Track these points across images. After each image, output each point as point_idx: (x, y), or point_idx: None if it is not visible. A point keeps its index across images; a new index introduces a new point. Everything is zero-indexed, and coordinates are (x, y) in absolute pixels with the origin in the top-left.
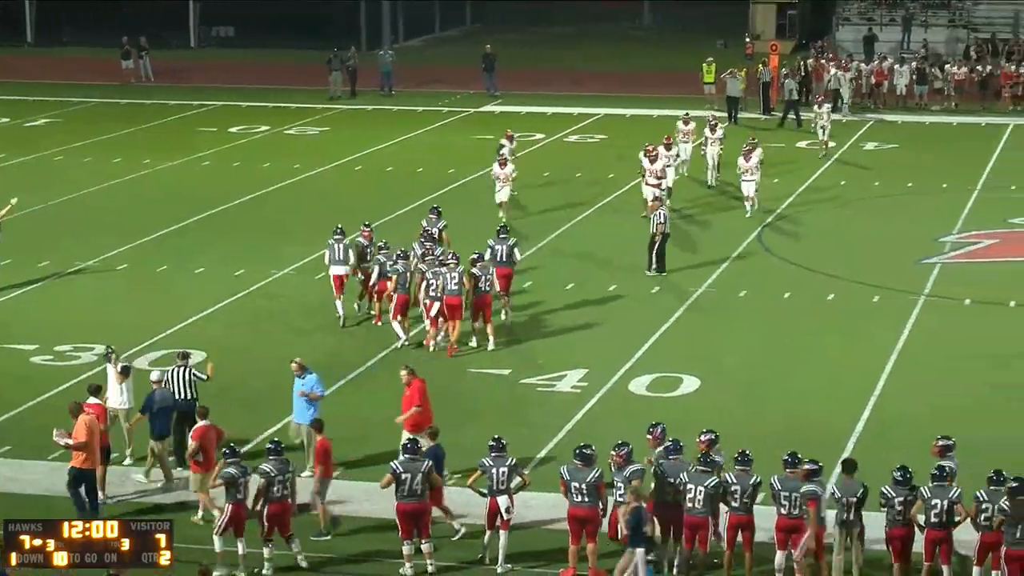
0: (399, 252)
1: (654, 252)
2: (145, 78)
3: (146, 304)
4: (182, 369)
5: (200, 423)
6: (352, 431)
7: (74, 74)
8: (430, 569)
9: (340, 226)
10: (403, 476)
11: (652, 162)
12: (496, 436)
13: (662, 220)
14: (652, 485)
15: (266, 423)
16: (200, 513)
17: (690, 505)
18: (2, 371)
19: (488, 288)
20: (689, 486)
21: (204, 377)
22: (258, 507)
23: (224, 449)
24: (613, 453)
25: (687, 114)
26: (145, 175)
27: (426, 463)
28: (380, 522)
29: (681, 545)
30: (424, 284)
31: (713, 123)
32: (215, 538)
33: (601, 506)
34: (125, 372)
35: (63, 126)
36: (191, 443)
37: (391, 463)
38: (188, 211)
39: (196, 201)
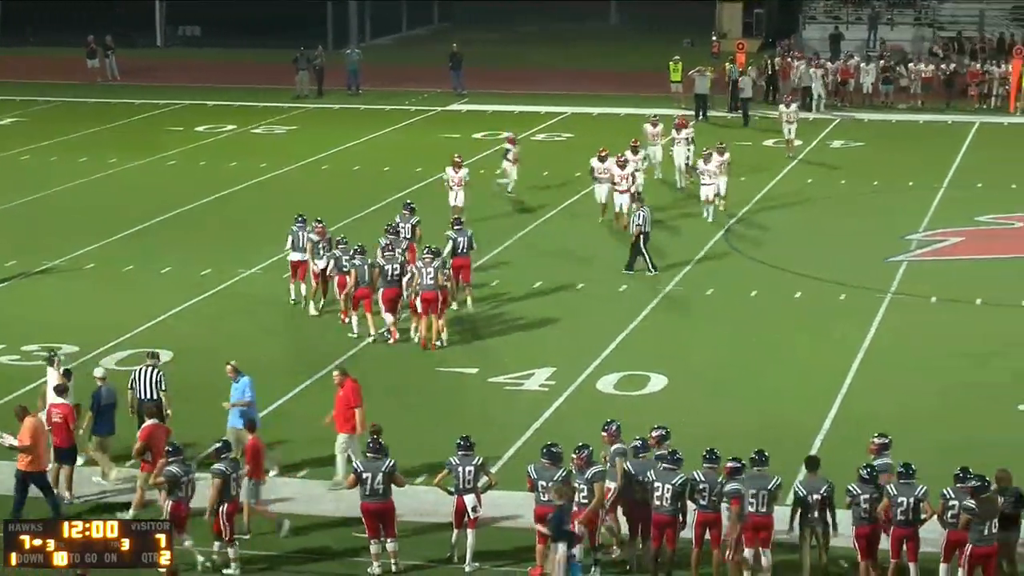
0: (356, 247)
1: (632, 251)
2: (111, 77)
3: (113, 304)
4: (151, 369)
5: (148, 422)
6: (319, 431)
7: (40, 73)
8: (394, 568)
9: (302, 215)
10: (364, 476)
11: (622, 167)
12: (464, 435)
13: (640, 221)
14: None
15: None
16: (131, 511)
17: (657, 503)
18: None
19: (432, 281)
20: (656, 484)
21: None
22: (217, 508)
23: (167, 447)
24: (574, 456)
25: (655, 116)
26: (111, 174)
27: (387, 462)
28: (343, 520)
29: (648, 544)
30: (407, 278)
31: (679, 123)
32: None
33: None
34: (67, 376)
35: (29, 125)
36: (138, 442)
37: (353, 462)
38: (154, 210)
39: (162, 200)
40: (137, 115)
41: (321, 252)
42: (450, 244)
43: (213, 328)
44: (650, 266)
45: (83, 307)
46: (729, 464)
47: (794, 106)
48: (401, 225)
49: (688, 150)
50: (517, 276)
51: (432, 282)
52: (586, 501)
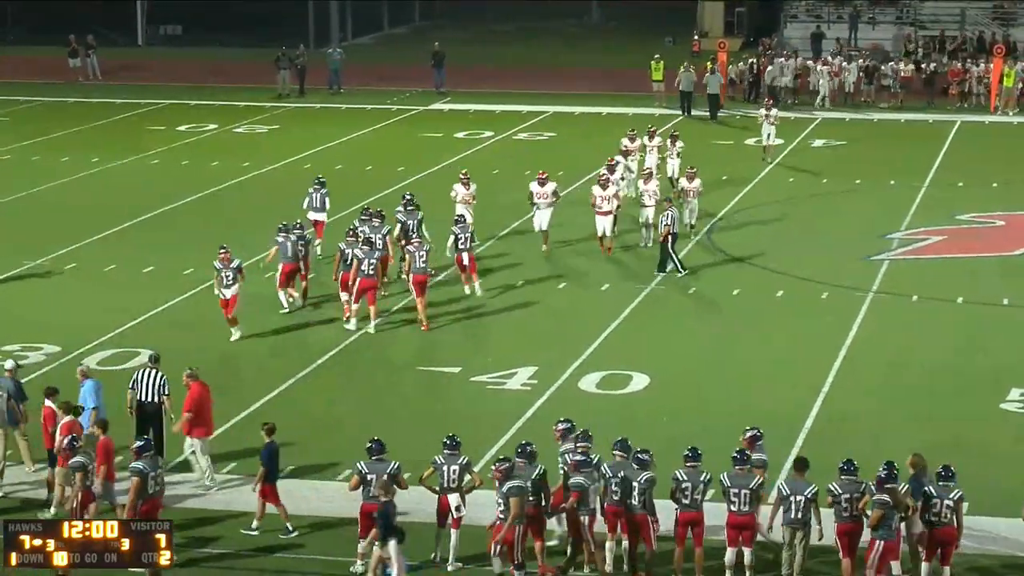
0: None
1: (662, 252)
2: (92, 76)
3: (95, 304)
4: (153, 372)
5: (66, 419)
6: (299, 432)
7: (20, 73)
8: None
9: (284, 223)
10: (368, 477)
11: (603, 188)
12: (450, 435)
13: (669, 221)
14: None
15: (216, 421)
16: (53, 509)
17: (631, 502)
18: None
19: (424, 265)
20: (634, 483)
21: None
22: (136, 506)
23: (65, 440)
24: (493, 468)
25: (632, 131)
26: (93, 174)
27: (393, 464)
28: (329, 520)
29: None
30: (356, 264)
31: (675, 135)
32: None
33: (544, 504)
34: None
35: (10, 125)
36: (59, 437)
37: (356, 464)
38: (137, 210)
39: (145, 200)
40: (119, 114)
41: (225, 279)
42: (399, 227)
43: (196, 327)
44: (679, 267)
45: (65, 307)
46: (640, 456)
47: (774, 111)
48: (409, 222)
49: (676, 164)
50: (499, 275)
51: (424, 265)
52: (503, 516)
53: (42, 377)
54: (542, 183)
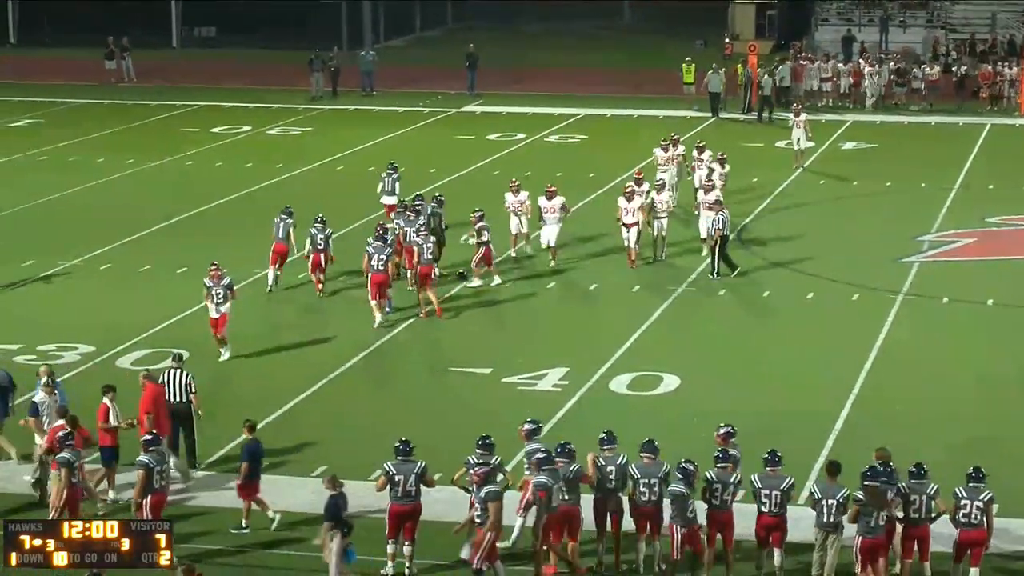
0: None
1: (715, 256)
2: (127, 78)
3: (129, 304)
4: (177, 372)
5: (59, 421)
6: (331, 432)
7: (56, 75)
8: (407, 571)
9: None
10: (396, 477)
11: (629, 199)
12: (483, 435)
13: (720, 225)
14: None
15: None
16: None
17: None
18: None
19: (431, 257)
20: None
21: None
22: (140, 499)
23: (59, 433)
24: (471, 472)
25: (665, 140)
26: (129, 175)
27: (419, 464)
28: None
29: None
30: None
31: (701, 145)
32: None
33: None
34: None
35: (46, 126)
36: (44, 443)
37: (384, 464)
38: (171, 211)
39: (179, 201)
40: (154, 116)
41: (216, 297)
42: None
43: (229, 326)
44: (729, 268)
45: (99, 307)
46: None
47: (804, 115)
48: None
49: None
50: (530, 276)
51: (430, 257)
52: (480, 519)
53: (77, 377)
54: (550, 197)
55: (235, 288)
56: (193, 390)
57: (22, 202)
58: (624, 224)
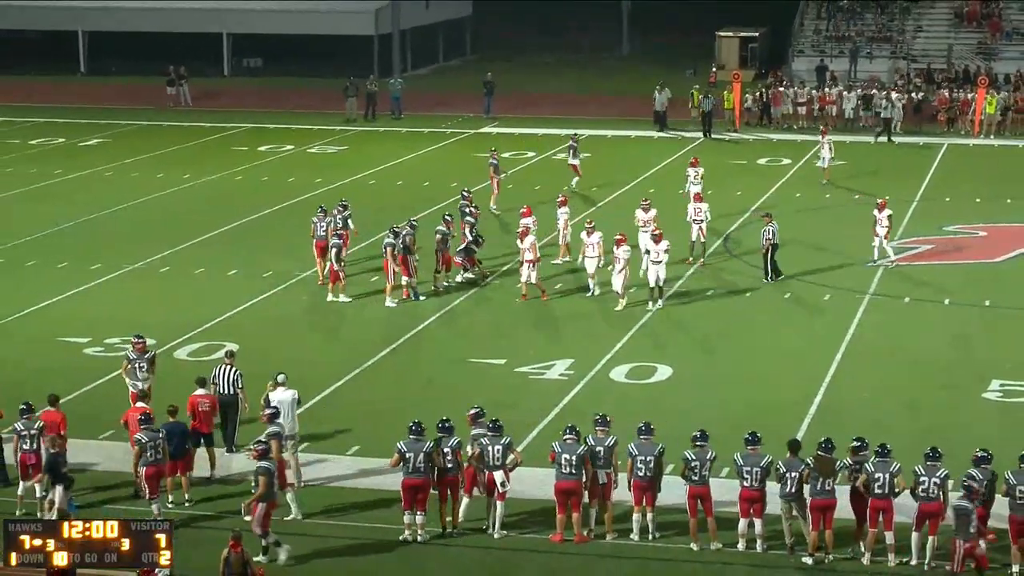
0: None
1: (766, 262)
2: (184, 103)
3: (184, 302)
4: (228, 367)
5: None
6: (359, 417)
7: (121, 100)
8: (419, 538)
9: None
10: (407, 455)
11: (645, 212)
12: (494, 418)
13: (771, 235)
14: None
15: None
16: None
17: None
18: (60, 361)
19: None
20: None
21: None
22: (137, 470)
23: (141, 416)
24: (252, 447)
25: (645, 200)
26: (185, 188)
27: (427, 443)
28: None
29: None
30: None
31: (693, 161)
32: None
33: (585, 479)
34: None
35: (112, 145)
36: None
37: (398, 444)
38: (222, 220)
39: (230, 211)
40: (207, 136)
41: (137, 373)
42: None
43: (274, 323)
44: (776, 274)
45: (158, 305)
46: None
47: (827, 139)
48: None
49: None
50: (540, 278)
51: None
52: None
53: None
54: (645, 209)
55: (156, 360)
56: (240, 385)
57: (90, 212)
58: (642, 231)
